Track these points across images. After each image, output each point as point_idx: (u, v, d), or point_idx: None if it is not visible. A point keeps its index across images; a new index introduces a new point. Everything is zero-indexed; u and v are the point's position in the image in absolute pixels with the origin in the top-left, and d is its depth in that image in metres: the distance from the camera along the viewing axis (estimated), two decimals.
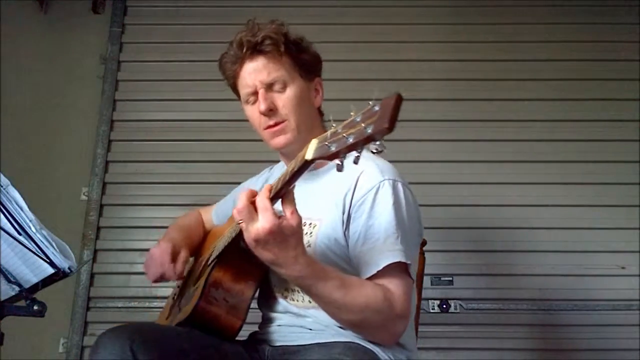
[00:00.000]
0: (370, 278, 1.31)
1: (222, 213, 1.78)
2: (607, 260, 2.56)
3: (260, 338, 1.46)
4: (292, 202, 1.15)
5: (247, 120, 2.78)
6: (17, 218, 1.30)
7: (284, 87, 1.47)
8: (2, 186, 1.30)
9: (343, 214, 1.38)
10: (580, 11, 2.86)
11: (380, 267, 1.30)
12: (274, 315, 1.45)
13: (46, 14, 2.95)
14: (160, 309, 1.82)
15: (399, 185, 1.39)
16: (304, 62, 1.52)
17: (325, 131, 1.54)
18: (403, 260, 1.31)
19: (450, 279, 2.54)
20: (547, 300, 2.55)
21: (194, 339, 1.29)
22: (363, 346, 1.30)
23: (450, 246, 2.58)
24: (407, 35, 2.84)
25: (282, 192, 1.13)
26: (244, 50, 1.46)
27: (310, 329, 1.39)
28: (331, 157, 0.98)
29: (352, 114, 0.96)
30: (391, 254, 1.31)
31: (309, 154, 1.04)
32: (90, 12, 2.96)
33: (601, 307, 2.53)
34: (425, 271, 1.89)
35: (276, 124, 1.46)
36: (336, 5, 2.90)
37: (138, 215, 2.67)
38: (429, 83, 2.79)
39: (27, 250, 1.29)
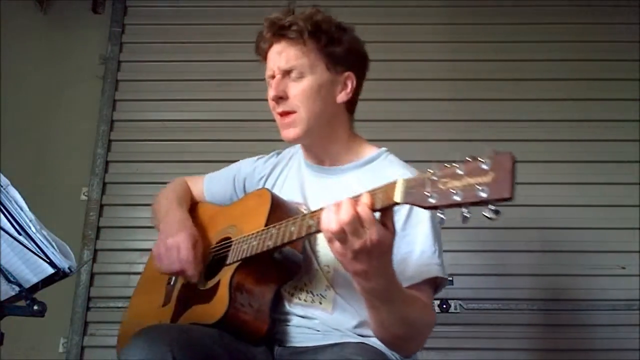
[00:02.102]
0: None
1: (217, 191, 1.71)
2: (607, 260, 2.56)
3: (270, 337, 1.42)
4: (392, 216, 1.08)
5: (246, 120, 2.80)
6: (17, 218, 1.30)
7: (300, 77, 1.42)
8: (2, 186, 1.30)
9: None
10: (580, 11, 2.86)
11: (419, 281, 1.29)
12: (279, 316, 1.42)
13: (46, 14, 2.95)
14: None
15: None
16: (332, 53, 1.45)
17: (352, 131, 1.53)
18: (441, 275, 1.32)
19: (450, 279, 2.54)
20: (547, 300, 2.54)
21: (225, 344, 1.27)
22: (374, 347, 1.30)
23: (450, 246, 2.56)
24: (407, 35, 2.84)
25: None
26: (271, 31, 1.44)
27: (318, 331, 1.38)
28: (428, 208, 0.93)
29: (454, 165, 0.90)
30: (430, 268, 1.31)
31: (398, 196, 0.98)
32: (90, 12, 2.96)
33: (601, 307, 2.52)
34: None
35: (286, 114, 1.43)
36: (335, 5, 2.88)
37: (138, 215, 2.67)
38: (429, 83, 2.79)
39: (27, 250, 1.29)
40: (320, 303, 1.39)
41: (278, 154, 1.69)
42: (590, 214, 2.61)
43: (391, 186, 1.01)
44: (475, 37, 2.84)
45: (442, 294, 2.49)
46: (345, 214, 1.03)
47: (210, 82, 2.84)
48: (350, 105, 1.52)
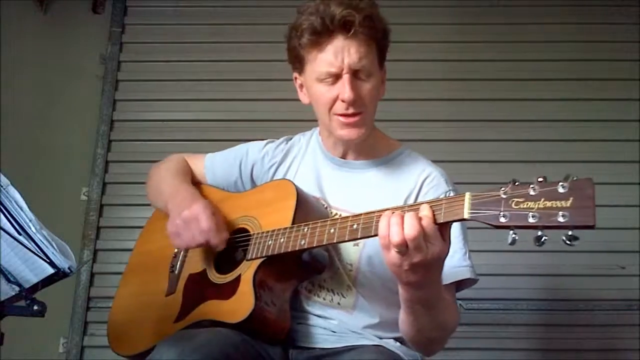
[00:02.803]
0: None
1: (220, 174, 1.64)
2: (607, 260, 2.56)
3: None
4: (450, 229, 1.07)
5: (246, 120, 2.80)
6: (17, 218, 1.30)
7: (368, 76, 1.36)
8: (2, 186, 1.30)
9: None
10: (580, 11, 2.85)
11: (449, 282, 1.29)
12: (294, 313, 1.38)
13: (46, 14, 2.95)
14: None
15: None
16: (384, 50, 1.41)
17: (374, 125, 1.47)
18: (472, 277, 1.32)
19: (478, 278, 2.54)
20: (547, 300, 2.55)
21: (246, 350, 1.24)
22: (391, 351, 1.31)
23: None
24: (407, 35, 2.84)
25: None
26: (343, 25, 1.30)
27: (334, 332, 1.36)
28: (499, 227, 0.92)
29: (529, 185, 0.88)
30: (461, 270, 1.31)
31: (466, 212, 0.97)
32: (90, 12, 2.96)
33: (601, 307, 2.53)
34: None
35: (354, 115, 1.36)
36: None
37: (138, 215, 2.66)
38: (429, 83, 2.79)
39: (27, 250, 1.29)
40: (339, 303, 1.38)
41: (288, 140, 1.62)
42: None
43: (457, 200, 1.00)
44: (476, 37, 2.84)
45: None
46: (411, 229, 1.00)
47: (210, 82, 2.84)
48: None
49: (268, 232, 1.33)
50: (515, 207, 0.89)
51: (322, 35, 1.32)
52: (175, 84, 2.84)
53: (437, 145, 2.68)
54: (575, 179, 0.86)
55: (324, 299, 1.38)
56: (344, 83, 1.32)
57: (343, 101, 1.33)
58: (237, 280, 1.33)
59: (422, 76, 2.79)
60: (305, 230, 1.25)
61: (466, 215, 0.97)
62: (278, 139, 1.64)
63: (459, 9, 2.88)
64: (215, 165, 1.66)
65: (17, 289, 1.31)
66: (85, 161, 2.76)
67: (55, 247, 1.30)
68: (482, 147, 2.69)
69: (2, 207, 1.28)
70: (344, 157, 1.49)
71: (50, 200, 2.60)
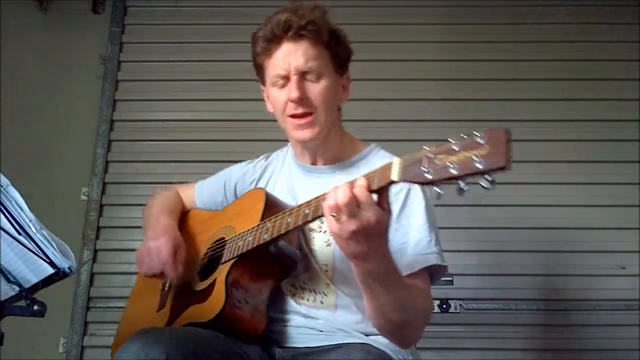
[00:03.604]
0: None
1: (208, 197, 1.73)
2: (607, 260, 2.56)
3: (268, 337, 1.41)
4: (388, 197, 1.09)
5: (246, 120, 2.80)
6: (17, 218, 1.30)
7: (318, 78, 1.42)
8: (2, 186, 1.30)
9: None
10: (580, 11, 2.85)
11: (416, 270, 1.31)
12: (280, 315, 1.42)
13: (46, 14, 2.95)
14: None
15: (426, 188, 1.38)
16: (339, 55, 1.47)
17: (343, 130, 1.54)
18: (440, 263, 1.33)
19: (450, 279, 2.54)
20: (547, 300, 2.54)
21: (220, 346, 1.26)
22: (378, 349, 1.31)
23: (450, 246, 2.56)
24: (404, 35, 2.84)
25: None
26: (286, 30, 1.40)
27: (321, 331, 1.38)
28: (425, 183, 0.96)
29: (449, 142, 0.93)
30: (427, 257, 1.33)
31: (394, 175, 1.00)
32: (90, 12, 2.96)
33: (601, 307, 2.52)
34: None
35: (304, 115, 1.42)
36: (332, 5, 2.89)
37: (138, 215, 2.63)
38: (427, 83, 2.79)
39: (27, 250, 1.30)
40: (322, 302, 1.40)
41: (267, 157, 1.71)
42: (590, 214, 2.61)
43: (387, 166, 1.03)
44: (475, 37, 2.84)
45: (442, 294, 2.52)
46: (343, 196, 1.04)
47: (210, 82, 2.84)
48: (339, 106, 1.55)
49: (239, 234, 1.40)
50: (439, 162, 0.93)
51: (271, 42, 1.42)
52: (175, 84, 2.84)
53: None
54: (491, 129, 0.90)
55: (308, 299, 1.41)
56: (291, 84, 1.40)
57: (291, 101, 1.40)
58: (213, 283, 1.38)
59: (422, 76, 2.79)
60: (268, 225, 1.31)
61: (395, 178, 1.00)
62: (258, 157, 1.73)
63: (457, 8, 2.88)
64: (204, 190, 1.75)
65: (17, 289, 1.32)
66: (85, 161, 2.75)
67: (55, 247, 1.31)
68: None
69: (2, 207, 1.28)
70: (314, 163, 1.54)
71: (50, 200, 2.60)
